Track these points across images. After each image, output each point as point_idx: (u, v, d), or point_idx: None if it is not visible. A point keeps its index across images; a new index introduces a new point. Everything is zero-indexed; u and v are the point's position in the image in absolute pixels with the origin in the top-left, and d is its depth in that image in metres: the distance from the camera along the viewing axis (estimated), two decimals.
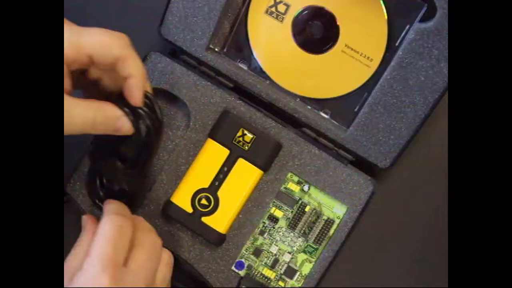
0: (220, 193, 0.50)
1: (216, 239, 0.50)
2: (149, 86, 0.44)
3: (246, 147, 0.49)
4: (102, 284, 0.38)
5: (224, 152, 0.50)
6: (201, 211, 0.50)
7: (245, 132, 0.49)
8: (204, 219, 0.50)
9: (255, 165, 0.50)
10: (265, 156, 0.50)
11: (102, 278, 0.38)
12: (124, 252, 0.41)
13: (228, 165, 0.50)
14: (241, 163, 0.50)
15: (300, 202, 0.51)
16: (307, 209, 0.51)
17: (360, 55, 0.50)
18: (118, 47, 0.41)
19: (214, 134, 0.50)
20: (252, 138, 0.49)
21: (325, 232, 0.51)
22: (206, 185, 0.50)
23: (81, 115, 0.40)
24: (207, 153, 0.50)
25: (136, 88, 0.42)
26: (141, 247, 0.43)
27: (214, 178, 0.50)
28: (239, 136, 0.49)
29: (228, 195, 0.50)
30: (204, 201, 0.50)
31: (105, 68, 0.42)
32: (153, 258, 0.44)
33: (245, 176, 0.50)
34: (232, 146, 0.49)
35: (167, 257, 0.46)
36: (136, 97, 0.42)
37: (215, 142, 0.50)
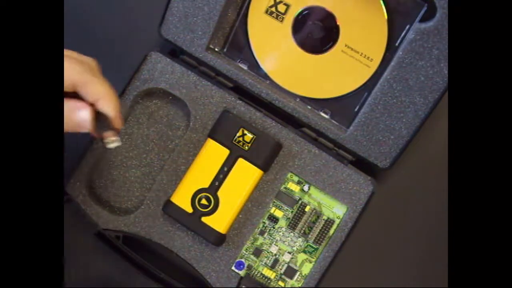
0: (220, 193, 0.50)
1: (216, 239, 0.50)
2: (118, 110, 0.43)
3: (246, 147, 0.49)
4: None
5: (224, 152, 0.50)
6: (201, 211, 0.50)
7: (245, 132, 0.49)
8: (204, 219, 0.50)
9: (255, 165, 0.49)
10: (265, 156, 0.50)
11: None
12: None
13: (228, 165, 0.50)
14: (241, 163, 0.49)
15: (300, 202, 0.51)
16: (307, 209, 0.51)
17: (360, 55, 0.50)
18: (74, 73, 0.40)
19: (214, 134, 0.50)
20: (252, 138, 0.49)
21: (325, 232, 0.51)
22: (206, 185, 0.50)
23: None
24: (207, 153, 0.50)
25: (106, 110, 0.42)
26: None
27: (214, 178, 0.50)
28: (239, 136, 0.49)
29: (228, 195, 0.50)
30: (204, 201, 0.50)
31: (67, 92, 0.41)
32: None
33: (245, 176, 0.50)
34: (232, 146, 0.49)
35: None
36: (112, 121, 0.42)
37: (215, 142, 0.50)
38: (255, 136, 0.49)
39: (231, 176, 0.50)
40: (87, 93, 0.41)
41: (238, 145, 0.49)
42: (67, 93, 0.41)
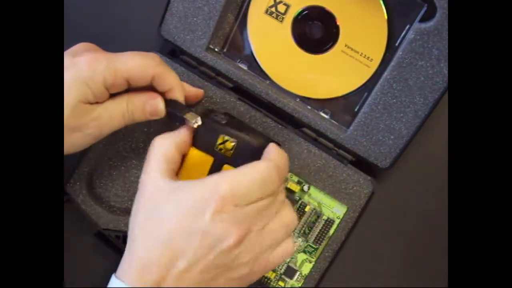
0: None
1: None
2: (190, 90, 0.49)
3: (229, 154, 0.46)
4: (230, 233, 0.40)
5: (209, 160, 0.47)
6: None
7: (226, 138, 0.46)
8: None
9: None
10: (250, 161, 0.45)
11: (211, 205, 0.40)
12: (249, 201, 0.41)
13: (215, 171, 0.47)
14: (228, 169, 0.47)
15: (300, 202, 0.51)
16: (307, 209, 0.51)
17: (360, 55, 0.50)
18: (151, 67, 0.45)
19: (195, 142, 0.47)
20: (233, 145, 0.46)
21: (325, 232, 0.51)
22: None
23: (115, 108, 0.45)
24: (192, 162, 0.47)
25: (179, 97, 0.47)
26: (268, 200, 0.42)
27: None
28: (220, 144, 0.46)
29: None
30: None
31: (143, 86, 0.45)
32: (271, 212, 0.43)
33: None
34: (215, 153, 0.46)
35: (286, 217, 0.44)
36: (185, 102, 0.47)
37: (198, 151, 0.47)
38: (236, 142, 0.46)
39: None
40: (164, 83, 0.46)
41: (221, 152, 0.46)
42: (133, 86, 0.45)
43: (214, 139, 0.46)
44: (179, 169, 0.46)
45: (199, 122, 0.45)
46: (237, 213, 0.40)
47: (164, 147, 0.44)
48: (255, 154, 0.46)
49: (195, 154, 0.47)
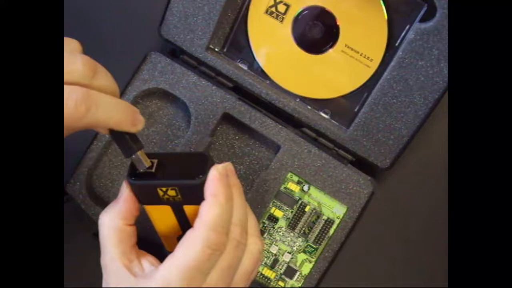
0: None
1: None
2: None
3: (178, 198, 0.42)
4: None
5: (167, 208, 0.44)
6: None
7: (164, 189, 0.42)
8: None
9: (199, 204, 0.42)
10: (201, 195, 0.42)
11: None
12: (207, 273, 0.40)
13: (180, 214, 0.44)
14: (188, 208, 0.44)
15: (300, 202, 0.51)
16: (307, 209, 0.51)
17: (360, 55, 0.50)
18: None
19: (142, 201, 0.44)
20: (176, 191, 0.42)
21: (325, 232, 0.51)
22: (181, 232, 0.45)
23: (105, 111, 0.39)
24: (154, 217, 0.45)
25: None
26: (227, 259, 0.41)
27: (181, 226, 0.45)
28: (163, 195, 0.42)
29: None
30: None
31: None
32: (235, 266, 0.42)
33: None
34: (166, 202, 0.43)
35: (250, 256, 0.43)
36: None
37: (151, 206, 0.44)
38: (176, 188, 0.42)
39: (191, 217, 0.44)
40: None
41: (170, 199, 0.43)
42: None
43: (155, 194, 0.42)
44: (135, 242, 0.44)
45: (145, 167, 0.42)
46: None
47: (113, 224, 0.42)
48: (202, 186, 0.41)
49: (151, 210, 0.44)
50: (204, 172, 0.41)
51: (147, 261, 0.43)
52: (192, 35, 0.51)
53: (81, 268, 0.55)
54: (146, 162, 0.41)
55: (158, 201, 0.43)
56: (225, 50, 0.53)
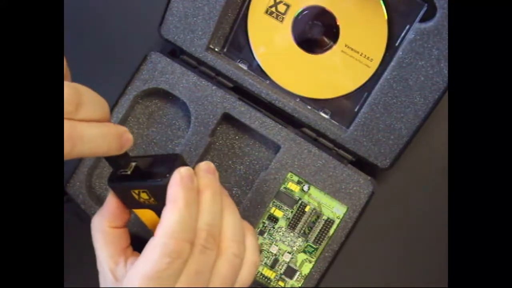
0: None
1: None
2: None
3: (153, 202, 0.42)
4: None
5: (151, 212, 0.43)
6: None
7: (136, 191, 0.42)
8: None
9: None
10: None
11: None
12: (173, 279, 0.39)
13: None
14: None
15: (300, 202, 0.51)
16: (307, 209, 0.51)
17: (360, 55, 0.50)
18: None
19: (126, 205, 0.44)
20: (148, 193, 0.41)
21: (325, 232, 0.51)
22: None
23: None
24: (145, 219, 0.44)
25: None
26: (194, 265, 0.40)
27: None
28: (138, 198, 0.42)
29: None
30: None
31: None
32: (205, 272, 0.41)
33: None
34: (146, 205, 0.42)
35: (223, 264, 0.42)
36: None
37: (136, 210, 0.44)
38: (146, 191, 0.41)
39: None
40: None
41: (147, 203, 0.42)
42: None
43: (131, 197, 0.42)
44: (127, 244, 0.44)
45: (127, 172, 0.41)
46: None
47: (99, 227, 0.43)
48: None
49: (138, 213, 0.44)
50: (170, 173, 0.40)
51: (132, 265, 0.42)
52: (192, 35, 0.51)
53: (81, 268, 0.55)
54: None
55: (138, 204, 0.42)
56: (225, 50, 0.53)
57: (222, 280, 0.41)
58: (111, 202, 0.43)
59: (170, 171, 0.40)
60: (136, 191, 0.41)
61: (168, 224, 0.39)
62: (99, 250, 0.43)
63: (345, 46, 0.50)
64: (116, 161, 0.41)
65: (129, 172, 0.42)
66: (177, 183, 0.39)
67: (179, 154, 0.44)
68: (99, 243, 0.43)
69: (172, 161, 0.41)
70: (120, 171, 0.42)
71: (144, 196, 0.41)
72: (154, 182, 0.40)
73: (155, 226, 0.41)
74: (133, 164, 0.42)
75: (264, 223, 0.52)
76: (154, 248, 0.39)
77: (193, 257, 0.40)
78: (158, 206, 0.41)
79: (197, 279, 0.40)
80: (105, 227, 0.43)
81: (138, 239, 0.51)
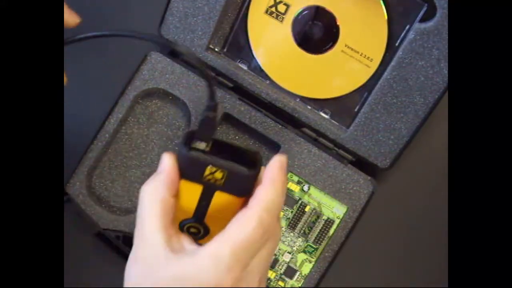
0: (206, 221, 0.45)
1: None
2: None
3: (219, 183, 0.42)
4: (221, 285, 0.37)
5: (198, 188, 0.43)
6: (193, 237, 0.45)
7: (213, 169, 0.42)
8: (200, 241, 0.46)
9: (234, 195, 0.43)
10: (242, 186, 0.43)
11: (223, 279, 0.37)
12: (254, 255, 0.40)
13: (206, 199, 0.44)
14: (219, 195, 0.43)
15: (300, 202, 0.51)
16: (307, 209, 0.51)
17: (360, 55, 0.50)
18: None
19: (183, 173, 0.43)
20: (223, 175, 0.42)
21: (325, 232, 0.51)
22: (190, 216, 0.45)
23: None
24: (182, 192, 0.44)
25: None
26: (269, 245, 0.41)
27: (196, 211, 0.44)
28: (208, 174, 0.42)
29: (215, 222, 0.45)
30: (193, 229, 0.45)
31: None
32: (271, 256, 0.42)
33: (227, 204, 0.44)
34: (203, 182, 0.42)
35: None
36: None
37: (185, 181, 0.43)
38: (226, 172, 0.42)
39: (213, 207, 0.44)
40: None
41: (211, 181, 0.42)
42: None
43: (201, 171, 0.42)
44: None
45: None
46: (246, 278, 0.39)
47: (157, 195, 0.41)
48: (249, 179, 0.42)
49: (182, 184, 0.43)
50: (255, 167, 0.42)
51: (186, 239, 0.42)
52: (192, 35, 0.51)
53: (81, 269, 0.55)
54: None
55: (197, 179, 0.42)
56: (225, 50, 0.53)
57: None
58: (174, 169, 0.42)
59: (256, 165, 0.42)
60: (214, 168, 0.41)
61: (266, 199, 0.40)
62: (152, 218, 0.40)
63: (345, 46, 0.50)
64: (200, 133, 0.42)
65: (208, 148, 0.42)
66: (278, 166, 0.41)
67: (259, 152, 0.45)
68: (154, 212, 0.40)
69: (256, 157, 0.43)
70: (195, 144, 0.42)
71: (217, 175, 0.41)
72: (240, 168, 0.41)
73: (181, 201, 0.42)
74: (210, 143, 0.42)
75: None
76: (250, 219, 0.39)
77: (271, 240, 0.41)
78: (216, 188, 0.42)
79: (266, 263, 0.41)
80: (165, 195, 0.41)
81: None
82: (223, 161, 0.41)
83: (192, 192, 0.43)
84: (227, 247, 0.38)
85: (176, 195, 0.42)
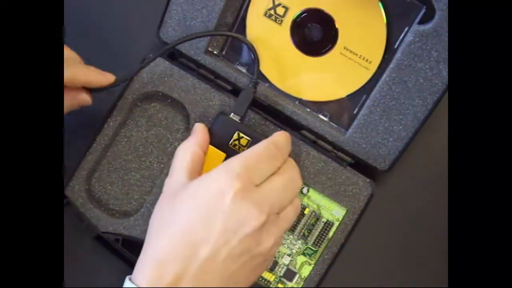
0: None
1: None
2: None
3: (242, 150, 0.48)
4: (227, 188, 0.41)
5: (221, 155, 0.48)
6: None
7: (241, 135, 0.48)
8: None
9: None
10: None
11: (233, 182, 0.41)
12: (263, 175, 0.43)
13: None
14: None
15: None
16: (306, 211, 0.51)
17: (359, 57, 0.50)
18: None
19: (212, 140, 0.49)
20: (247, 142, 0.48)
21: (324, 234, 0.51)
22: None
23: None
24: (208, 157, 0.49)
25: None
26: (281, 176, 0.44)
27: None
28: (235, 140, 0.48)
29: None
30: None
31: None
32: (288, 193, 0.45)
33: None
34: (228, 149, 0.48)
35: (298, 202, 0.47)
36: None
37: (211, 146, 0.49)
38: (250, 139, 0.48)
39: None
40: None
41: (234, 148, 0.48)
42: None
43: (230, 136, 0.48)
44: None
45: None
46: (256, 194, 0.41)
47: (190, 149, 0.46)
48: None
49: (209, 150, 0.48)
50: None
51: None
52: None
53: (81, 272, 0.55)
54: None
55: (223, 145, 0.48)
56: (223, 53, 0.53)
57: (288, 221, 0.46)
58: (205, 131, 0.48)
59: None
60: (241, 135, 0.48)
61: (276, 138, 0.46)
62: (181, 165, 0.45)
63: (344, 48, 0.50)
64: (236, 104, 0.50)
65: (240, 122, 0.49)
66: (287, 135, 0.47)
67: None
68: (185, 159, 0.46)
69: None
70: (230, 114, 0.49)
71: (242, 142, 0.48)
72: (262, 139, 0.46)
73: (205, 168, 0.47)
74: (239, 118, 0.49)
75: None
76: (261, 142, 0.45)
77: (283, 169, 0.45)
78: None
79: (282, 194, 0.44)
80: (196, 148, 0.46)
81: (138, 243, 0.51)
82: (250, 131, 0.49)
83: (216, 159, 0.48)
84: (237, 159, 0.43)
85: (205, 153, 0.48)
